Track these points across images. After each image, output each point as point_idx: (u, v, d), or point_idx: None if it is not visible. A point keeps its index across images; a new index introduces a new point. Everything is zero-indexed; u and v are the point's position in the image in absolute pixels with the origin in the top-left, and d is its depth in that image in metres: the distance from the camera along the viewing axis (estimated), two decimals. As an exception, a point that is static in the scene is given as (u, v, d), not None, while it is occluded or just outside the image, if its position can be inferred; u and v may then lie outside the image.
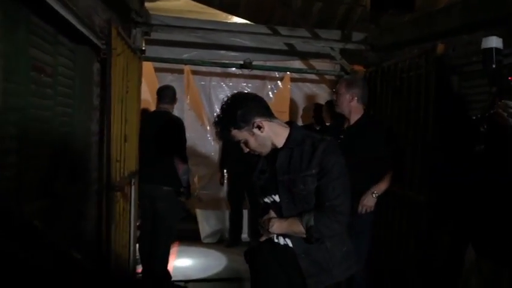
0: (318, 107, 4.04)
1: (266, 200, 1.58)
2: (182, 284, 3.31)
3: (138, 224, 3.27)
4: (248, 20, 4.34)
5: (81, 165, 2.13)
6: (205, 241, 4.40)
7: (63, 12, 1.49)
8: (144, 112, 3.40)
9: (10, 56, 1.27)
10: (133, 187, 2.94)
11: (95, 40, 1.95)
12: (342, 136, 2.29)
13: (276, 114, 4.87)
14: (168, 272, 3.26)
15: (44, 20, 1.55)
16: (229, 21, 4.42)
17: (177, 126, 3.18)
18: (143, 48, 3.23)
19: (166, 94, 3.24)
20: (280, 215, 1.50)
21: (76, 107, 2.03)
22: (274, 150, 1.51)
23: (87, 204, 2.20)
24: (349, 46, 3.58)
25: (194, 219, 4.54)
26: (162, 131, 3.11)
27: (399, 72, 2.83)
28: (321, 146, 1.44)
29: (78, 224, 2.10)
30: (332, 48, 3.52)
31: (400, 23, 3.22)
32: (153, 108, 3.70)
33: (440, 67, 2.35)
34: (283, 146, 1.49)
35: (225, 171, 4.40)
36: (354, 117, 2.32)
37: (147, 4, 3.38)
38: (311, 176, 1.43)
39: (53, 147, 1.75)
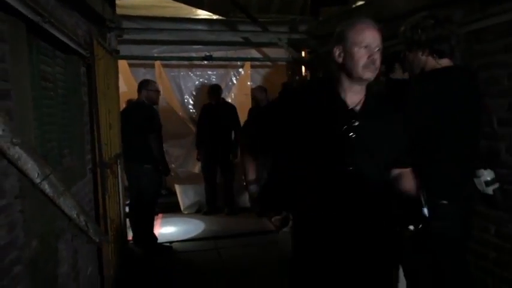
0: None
1: None
2: (168, 244, 3.98)
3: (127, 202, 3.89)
4: (212, 12, 4.61)
5: (78, 149, 2.72)
6: (185, 212, 5.05)
7: (60, 36, 2.06)
8: (129, 102, 4.00)
9: (32, 73, 1.86)
10: (119, 166, 3.55)
11: (81, 51, 2.52)
12: None
13: (239, 97, 5.54)
14: (154, 235, 3.92)
15: (46, 41, 2.12)
16: (193, 15, 4.85)
17: (153, 113, 3.81)
18: (117, 49, 3.78)
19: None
20: None
21: (70, 103, 2.61)
22: None
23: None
24: (294, 36, 4.22)
25: (174, 194, 5.19)
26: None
27: (329, 57, 3.50)
28: None
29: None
30: (279, 39, 4.15)
31: (333, 16, 3.88)
32: (129, 97, 4.31)
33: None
34: None
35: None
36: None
37: (117, 1, 3.82)
38: None
39: (58, 134, 2.35)
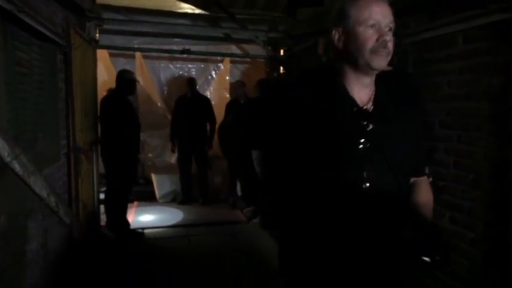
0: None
1: None
2: (140, 230, 4.11)
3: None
4: (197, 6, 4.63)
5: (52, 134, 2.82)
6: (160, 201, 5.18)
7: (35, 25, 2.17)
8: (110, 91, 4.08)
9: (6, 58, 1.97)
10: (94, 152, 3.66)
11: (57, 39, 2.62)
12: None
13: (218, 91, 5.71)
14: (127, 221, 4.04)
15: (22, 29, 2.22)
16: (177, 8, 4.86)
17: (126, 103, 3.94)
18: (97, 38, 3.86)
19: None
20: None
21: (46, 89, 2.71)
22: None
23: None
24: (271, 35, 4.37)
25: (151, 183, 5.30)
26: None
27: (303, 56, 3.68)
28: None
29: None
30: (256, 37, 4.30)
31: (308, 18, 4.04)
32: (110, 86, 4.40)
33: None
34: None
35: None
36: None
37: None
38: None
39: (33, 118, 2.45)
